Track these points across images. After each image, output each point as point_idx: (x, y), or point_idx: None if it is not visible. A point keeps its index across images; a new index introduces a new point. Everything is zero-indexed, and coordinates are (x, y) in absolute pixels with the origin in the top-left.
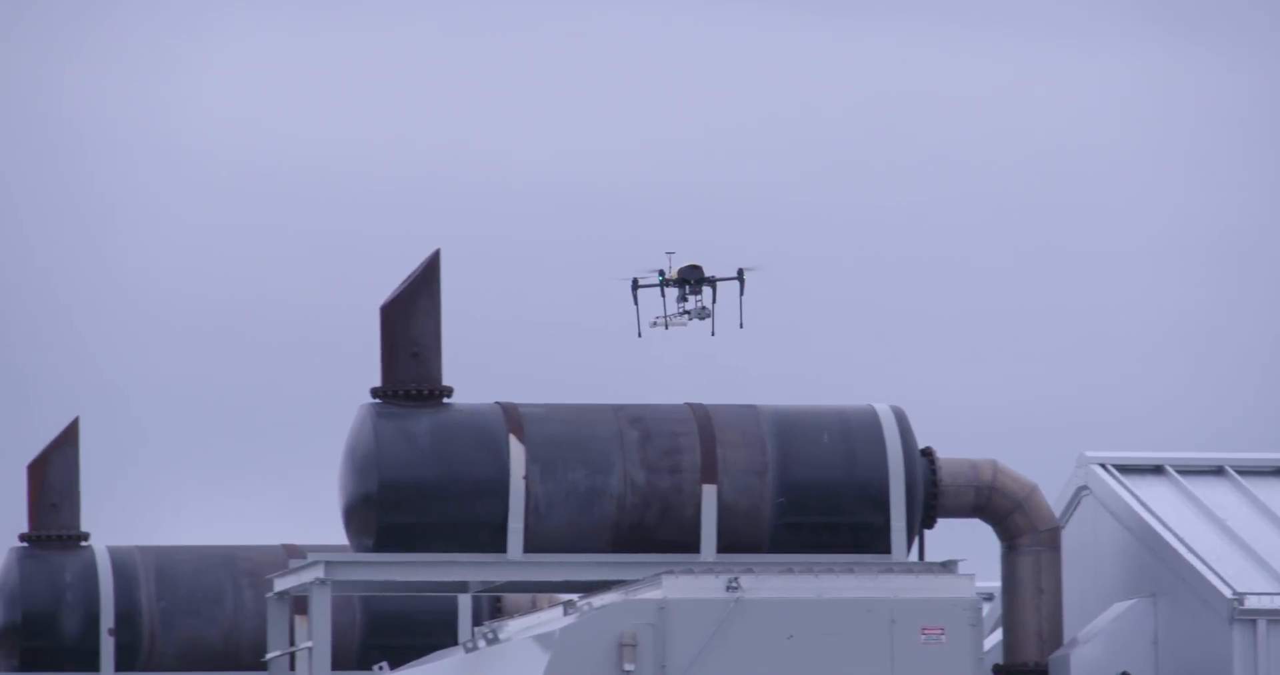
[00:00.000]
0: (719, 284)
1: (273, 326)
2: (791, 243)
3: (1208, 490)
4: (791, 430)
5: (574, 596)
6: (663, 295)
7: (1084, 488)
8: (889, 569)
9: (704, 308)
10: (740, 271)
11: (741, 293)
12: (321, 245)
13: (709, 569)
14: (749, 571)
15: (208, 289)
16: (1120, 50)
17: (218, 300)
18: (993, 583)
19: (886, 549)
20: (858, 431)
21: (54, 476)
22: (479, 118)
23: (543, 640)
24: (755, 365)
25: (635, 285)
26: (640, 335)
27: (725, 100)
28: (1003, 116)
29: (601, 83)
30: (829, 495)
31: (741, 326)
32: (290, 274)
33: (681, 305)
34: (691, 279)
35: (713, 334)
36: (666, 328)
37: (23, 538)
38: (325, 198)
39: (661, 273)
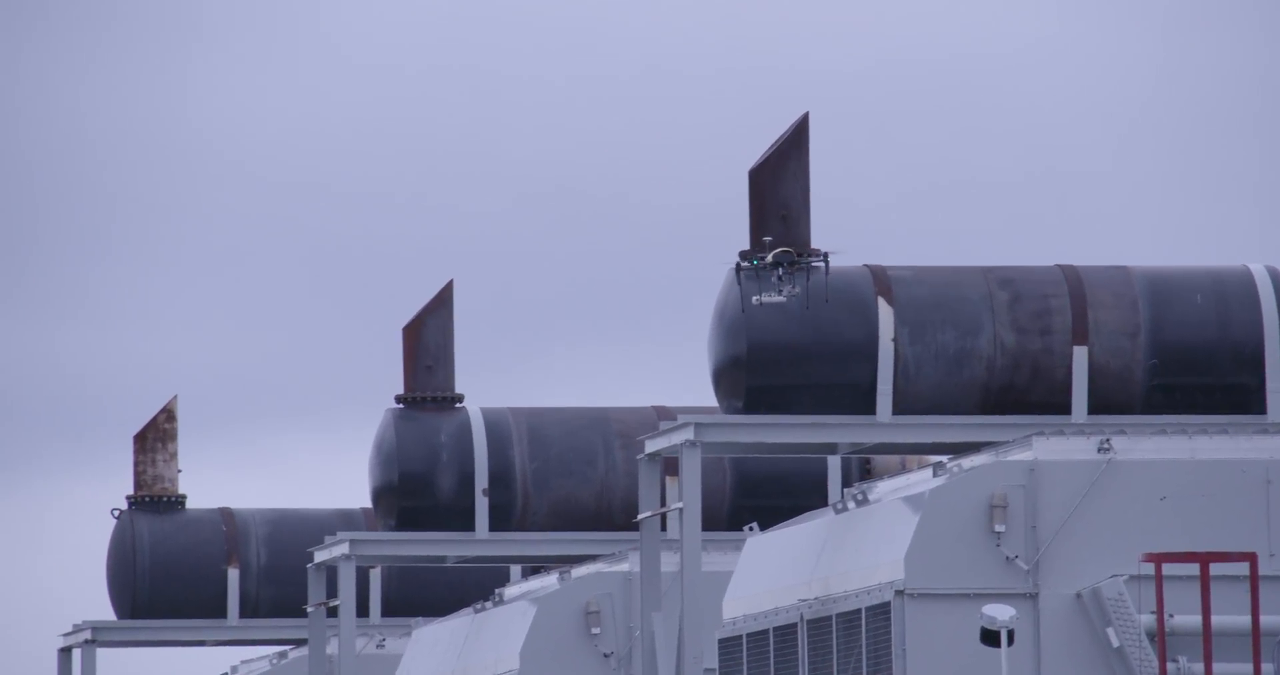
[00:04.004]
0: (812, 266)
1: (645, 190)
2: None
3: None
4: (1164, 291)
5: (944, 458)
6: (756, 277)
7: None
8: (1264, 430)
9: (793, 288)
10: (825, 255)
11: (826, 273)
12: (687, 112)
13: (1080, 430)
14: (1121, 433)
15: (578, 159)
16: None
17: (589, 168)
18: None
19: (1262, 410)
20: (1232, 292)
21: (429, 339)
22: None
23: (912, 502)
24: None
25: (739, 268)
26: (744, 311)
27: None
28: None
29: None
30: (1202, 356)
31: (827, 301)
32: (658, 140)
33: (778, 285)
34: (785, 261)
35: (806, 308)
36: (760, 305)
37: (399, 399)
38: (690, 69)
39: (757, 258)
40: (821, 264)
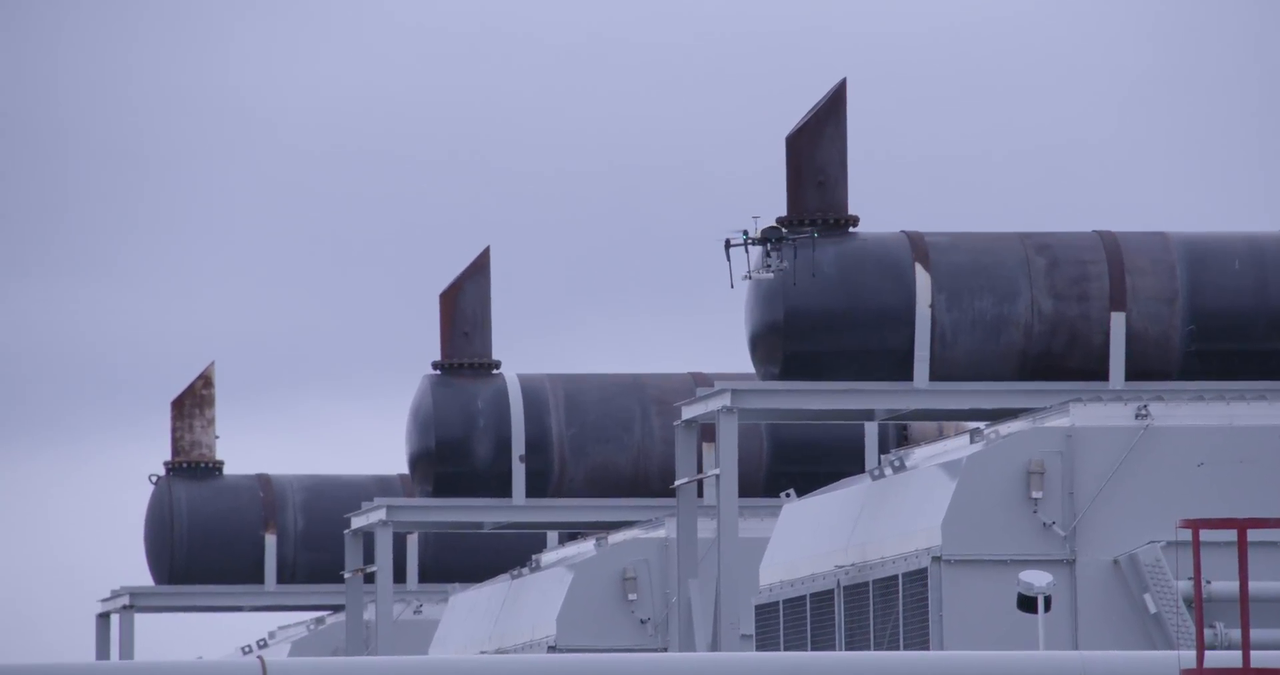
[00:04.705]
0: (797, 242)
1: (682, 157)
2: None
3: None
4: (1201, 257)
5: (981, 424)
6: (746, 253)
7: None
8: None
9: (782, 262)
10: (813, 232)
11: (813, 249)
12: (725, 78)
13: (1117, 397)
14: (1158, 399)
15: (616, 126)
16: None
17: (626, 135)
18: None
19: None
20: (1270, 257)
21: (466, 305)
22: None
23: (949, 468)
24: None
25: (727, 245)
26: (732, 286)
27: None
28: None
29: None
30: (1240, 322)
31: (814, 276)
32: (696, 107)
33: (766, 261)
34: (773, 238)
35: (794, 284)
36: (750, 279)
37: (436, 365)
38: (729, 35)
39: (745, 233)
40: (810, 240)
